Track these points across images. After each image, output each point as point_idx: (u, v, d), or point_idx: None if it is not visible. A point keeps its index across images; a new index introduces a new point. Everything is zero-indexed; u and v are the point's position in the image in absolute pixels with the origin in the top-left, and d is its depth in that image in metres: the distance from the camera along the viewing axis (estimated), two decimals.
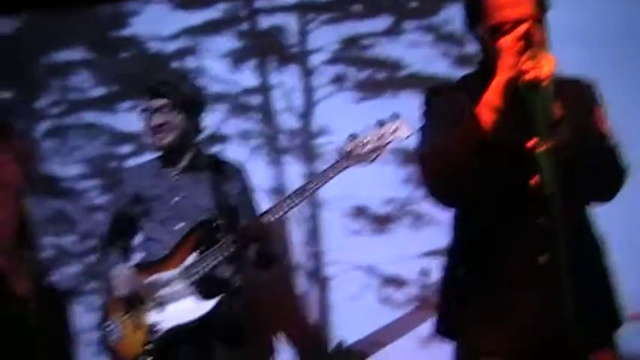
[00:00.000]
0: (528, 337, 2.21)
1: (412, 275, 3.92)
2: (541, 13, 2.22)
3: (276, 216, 2.98)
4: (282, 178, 4.02)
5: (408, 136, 2.85)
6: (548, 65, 2.07)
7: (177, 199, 3.15)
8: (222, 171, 3.20)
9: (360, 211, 4.03)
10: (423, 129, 2.36)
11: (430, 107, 2.37)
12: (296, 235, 4.07)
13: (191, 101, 3.18)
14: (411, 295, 3.91)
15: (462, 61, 3.88)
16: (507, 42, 2.14)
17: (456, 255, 2.39)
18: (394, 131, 2.87)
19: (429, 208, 3.88)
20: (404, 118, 2.84)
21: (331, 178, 2.96)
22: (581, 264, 2.04)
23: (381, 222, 4.03)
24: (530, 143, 2.17)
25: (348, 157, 2.93)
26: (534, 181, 2.20)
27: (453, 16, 3.87)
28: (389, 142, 2.90)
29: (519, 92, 2.11)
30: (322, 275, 4.04)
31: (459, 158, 2.15)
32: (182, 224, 3.11)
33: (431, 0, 4.01)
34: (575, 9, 3.25)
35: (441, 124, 2.27)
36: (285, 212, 2.98)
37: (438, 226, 3.85)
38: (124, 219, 3.25)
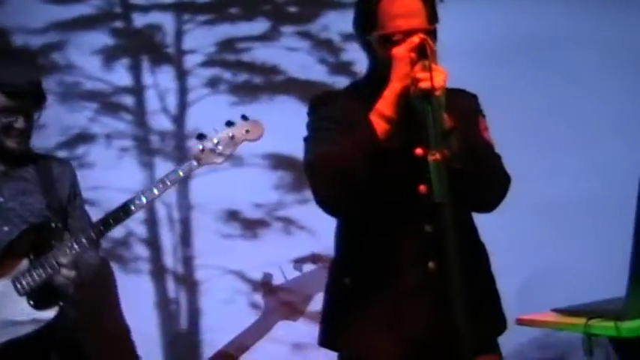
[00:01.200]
0: (415, 343, 2.25)
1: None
2: (432, 26, 2.27)
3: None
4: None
5: (259, 137, 2.77)
6: (440, 76, 2.12)
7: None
8: (51, 168, 2.96)
9: (231, 216, 4.00)
10: (310, 137, 2.35)
11: (317, 115, 2.36)
12: (166, 239, 3.99)
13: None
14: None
15: (338, 68, 3.92)
16: (400, 52, 2.17)
17: (341, 264, 2.40)
18: (247, 132, 2.78)
19: (299, 214, 3.92)
20: (255, 119, 2.80)
21: (181, 178, 2.84)
22: (465, 270, 2.08)
23: (252, 227, 4.00)
24: (420, 151, 2.23)
25: (198, 159, 2.78)
26: (422, 188, 2.25)
27: (331, 24, 3.92)
28: (240, 143, 2.77)
29: (411, 102, 2.16)
30: (192, 279, 3.97)
31: (350, 166, 2.16)
32: (6, 228, 2.84)
33: (309, 6, 4.01)
34: (458, 23, 3.34)
35: (331, 132, 2.27)
36: (133, 213, 2.77)
37: (308, 232, 3.89)
38: None
